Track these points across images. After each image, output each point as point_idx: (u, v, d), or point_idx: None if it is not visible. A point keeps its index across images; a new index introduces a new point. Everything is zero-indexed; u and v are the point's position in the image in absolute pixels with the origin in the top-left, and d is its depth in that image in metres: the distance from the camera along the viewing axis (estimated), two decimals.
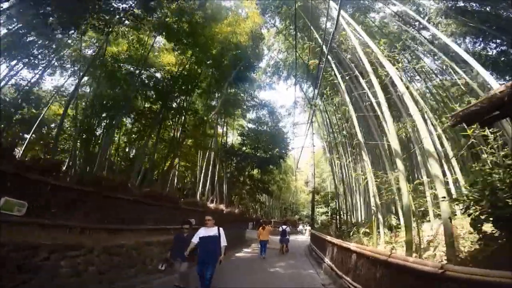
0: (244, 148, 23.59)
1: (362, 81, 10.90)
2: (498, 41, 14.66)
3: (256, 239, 15.03)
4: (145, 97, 11.77)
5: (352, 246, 7.30)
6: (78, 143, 13.23)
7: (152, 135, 12.95)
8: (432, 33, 14.43)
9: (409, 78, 14.35)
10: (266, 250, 13.22)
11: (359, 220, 16.81)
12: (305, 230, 42.91)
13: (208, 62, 14.24)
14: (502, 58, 13.78)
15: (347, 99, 10.02)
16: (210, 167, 19.99)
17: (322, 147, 39.54)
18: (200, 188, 18.49)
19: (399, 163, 6.23)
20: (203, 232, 5.57)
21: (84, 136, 12.08)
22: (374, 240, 6.82)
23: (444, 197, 4.77)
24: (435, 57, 15.65)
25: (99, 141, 14.14)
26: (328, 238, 11.34)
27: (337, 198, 17.29)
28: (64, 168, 11.06)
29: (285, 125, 28.60)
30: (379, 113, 9.70)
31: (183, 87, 12.97)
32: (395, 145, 6.68)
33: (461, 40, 16.13)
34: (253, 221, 36.25)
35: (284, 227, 16.21)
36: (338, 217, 15.50)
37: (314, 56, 19.28)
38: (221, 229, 5.52)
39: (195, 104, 16.02)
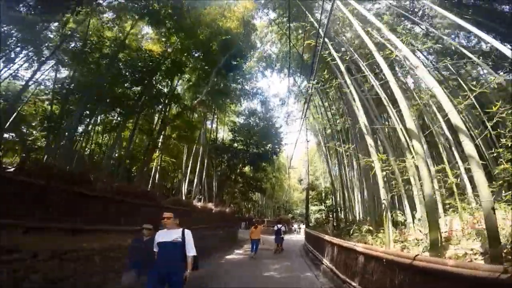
0: (235, 144, 22.42)
1: (363, 64, 9.96)
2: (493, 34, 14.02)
3: (249, 239, 14.72)
4: (122, 81, 10.46)
5: (359, 247, 6.31)
6: (51, 136, 11.88)
7: (130, 125, 11.69)
8: (429, 23, 13.64)
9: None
10: (257, 248, 13.05)
11: (357, 217, 15.94)
12: (300, 229, 42.07)
13: (194, 48, 13.05)
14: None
15: (348, 80, 9.01)
16: (198, 164, 18.77)
17: (316, 143, 38.86)
18: (185, 185, 17.20)
19: (417, 146, 5.23)
20: (161, 235, 4.05)
21: (55, 128, 10.71)
22: (386, 239, 5.81)
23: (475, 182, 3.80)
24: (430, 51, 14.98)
25: (71, 133, 12.80)
26: (327, 237, 10.37)
27: (333, 194, 16.38)
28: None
29: (279, 115, 27.55)
30: (382, 95, 8.75)
31: (166, 71, 11.74)
32: (411, 125, 5.68)
33: (455, 34, 15.53)
34: (245, 220, 35.21)
35: (279, 226, 15.99)
36: (335, 214, 14.56)
37: (309, 47, 18.36)
38: (187, 231, 4.07)
39: (179, 93, 14.57)
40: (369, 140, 7.35)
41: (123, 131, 13.06)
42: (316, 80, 11.12)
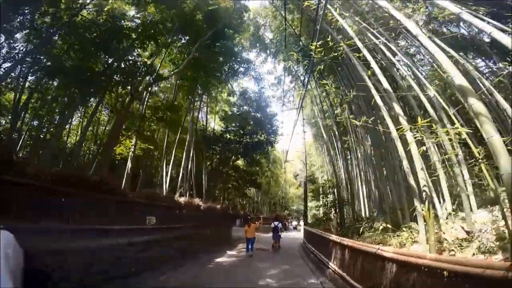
0: (227, 135, 20.60)
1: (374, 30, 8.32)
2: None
3: (244, 237, 13.69)
4: (81, 50, 8.51)
5: (388, 252, 4.64)
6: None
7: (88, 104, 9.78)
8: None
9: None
10: (253, 247, 12.48)
11: (363, 214, 14.36)
12: (298, 226, 40.57)
13: (177, 20, 11.14)
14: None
15: (359, 43, 7.30)
16: (184, 155, 16.91)
17: (312, 135, 37.19)
18: (167, 179, 15.27)
19: (478, 106, 3.51)
20: None
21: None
22: (431, 240, 4.12)
23: None
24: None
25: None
26: (334, 237, 8.72)
27: (336, 188, 14.75)
28: None
29: (274, 94, 25.58)
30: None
31: (138, 39, 9.79)
32: (460, 80, 3.98)
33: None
34: (240, 217, 33.53)
35: (276, 223, 15.61)
36: (338, 210, 12.93)
37: (307, 28, 16.65)
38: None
39: (153, 64, 12.43)
40: (397, 108, 5.64)
41: (95, 113, 11.20)
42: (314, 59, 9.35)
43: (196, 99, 21.11)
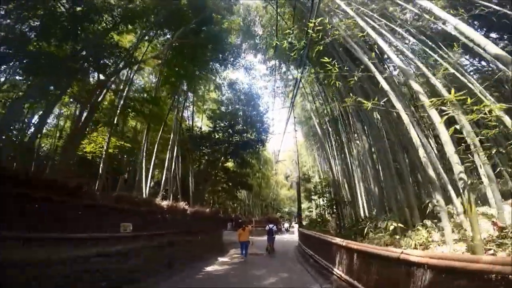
0: (215, 134, 19.49)
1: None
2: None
3: (237, 242, 13.93)
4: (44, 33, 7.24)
5: (418, 256, 3.74)
6: None
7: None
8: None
9: None
10: (247, 251, 12.36)
11: (362, 214, 13.59)
12: (291, 228, 39.70)
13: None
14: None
15: (361, 22, 6.51)
16: (168, 155, 15.70)
17: (303, 134, 36.48)
18: (148, 181, 13.93)
19: None
20: None
21: None
22: (477, 240, 3.25)
23: None
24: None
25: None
26: (338, 240, 7.81)
27: (333, 187, 13.92)
28: None
29: (266, 85, 24.53)
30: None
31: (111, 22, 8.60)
32: (494, 50, 3.16)
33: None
34: (232, 221, 32.32)
35: (270, 226, 15.66)
36: (337, 210, 12.10)
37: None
38: None
39: (128, 48, 11.04)
40: (416, 86, 4.78)
41: (55, 104, 9.87)
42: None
43: (181, 98, 19.99)
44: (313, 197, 13.73)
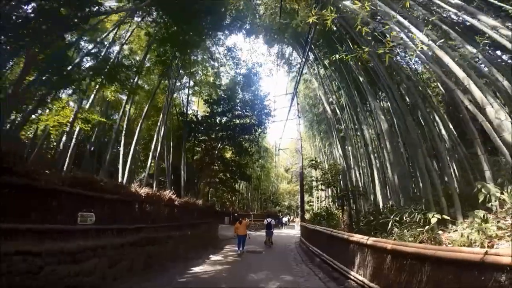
0: (212, 120, 17.75)
1: None
2: None
3: (234, 238, 13.66)
4: None
5: None
6: None
7: None
8: None
9: None
10: (244, 245, 11.91)
11: (381, 204, 11.95)
12: (289, 222, 38.27)
13: None
14: None
15: None
16: (155, 137, 13.98)
17: (305, 126, 34.76)
18: (125, 165, 12.08)
19: None
20: None
21: None
22: None
23: None
24: None
25: None
26: (358, 238, 6.22)
27: (343, 175, 12.25)
28: None
29: (271, 71, 22.76)
30: None
31: None
32: None
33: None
34: (230, 215, 30.86)
35: (269, 220, 15.74)
36: (348, 202, 10.43)
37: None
38: None
39: None
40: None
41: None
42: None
43: (177, 81, 18.21)
44: (320, 186, 12.05)
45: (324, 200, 33.06)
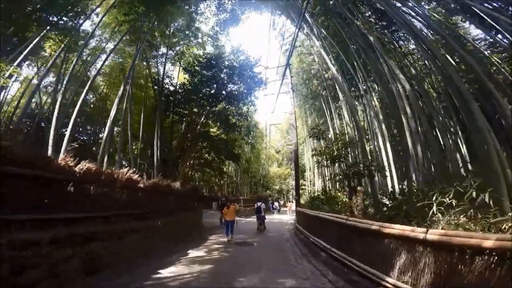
0: (192, 88, 15.21)
1: None
2: None
3: (222, 228, 13.53)
4: None
5: None
6: None
7: None
8: None
9: None
10: (233, 230, 11.31)
11: (394, 185, 10.06)
12: (280, 207, 36.73)
13: None
14: None
15: None
16: (117, 100, 11.47)
17: (298, 104, 32.56)
18: (56, 132, 9.52)
19: None
20: None
21: None
22: None
23: None
24: None
25: None
26: (399, 230, 4.14)
27: (351, 149, 10.22)
28: None
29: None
30: None
31: None
32: None
33: None
34: (218, 200, 28.92)
35: (259, 203, 15.16)
36: (359, 183, 8.42)
37: None
38: None
39: None
40: None
41: None
42: None
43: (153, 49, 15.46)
44: (324, 162, 9.97)
45: (320, 181, 31.47)
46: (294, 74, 26.85)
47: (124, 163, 26.67)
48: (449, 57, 9.65)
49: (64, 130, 13.09)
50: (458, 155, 7.59)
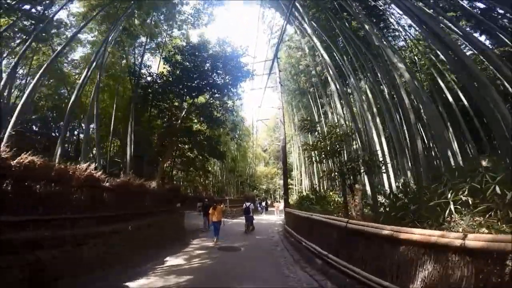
0: (172, 80, 14.06)
1: None
2: None
3: (204, 231, 13.76)
4: None
5: None
6: None
7: None
8: None
9: None
10: (218, 232, 10.81)
11: (389, 184, 9.37)
12: (267, 206, 35.91)
13: None
14: None
15: None
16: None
17: (286, 100, 31.86)
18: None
19: None
20: None
21: None
22: None
23: None
24: None
25: None
26: (421, 235, 3.27)
27: (348, 143, 9.46)
28: None
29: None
30: None
31: None
32: None
33: None
34: (202, 200, 27.72)
35: (247, 204, 14.81)
36: (355, 180, 7.62)
37: None
38: None
39: None
40: None
41: None
42: None
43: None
44: (316, 157, 9.07)
45: (307, 181, 30.84)
46: (282, 69, 26.13)
47: (102, 162, 25.16)
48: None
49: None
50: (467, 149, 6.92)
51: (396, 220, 5.32)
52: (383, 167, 7.69)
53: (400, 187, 7.89)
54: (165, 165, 18.07)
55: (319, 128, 12.66)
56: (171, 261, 7.76)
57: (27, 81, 19.21)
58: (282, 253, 9.03)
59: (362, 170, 7.14)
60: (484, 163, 7.40)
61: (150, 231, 9.12)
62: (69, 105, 11.69)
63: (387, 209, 6.00)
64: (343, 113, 9.60)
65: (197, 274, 6.47)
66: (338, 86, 9.30)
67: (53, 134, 21.44)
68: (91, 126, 14.73)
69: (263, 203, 36.42)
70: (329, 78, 10.06)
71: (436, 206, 4.86)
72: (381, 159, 9.64)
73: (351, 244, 5.26)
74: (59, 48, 18.76)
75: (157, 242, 9.20)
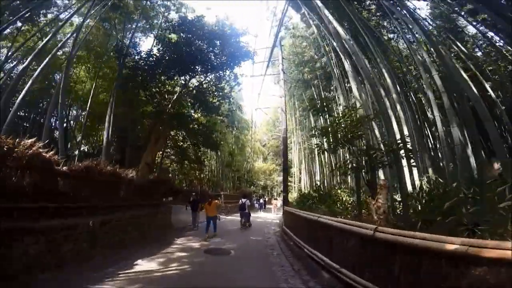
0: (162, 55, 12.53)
1: None
2: None
3: (193, 226, 13.06)
4: None
5: None
6: None
7: None
8: None
9: None
10: (215, 227, 10.75)
11: (410, 180, 7.86)
12: (265, 203, 34.56)
13: None
14: None
15: None
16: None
17: (288, 87, 30.19)
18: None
19: None
20: None
21: None
22: None
23: None
24: None
25: None
26: None
27: (371, 126, 7.96)
28: None
29: None
30: None
31: None
32: None
33: None
34: (196, 194, 26.24)
35: (243, 200, 14.61)
36: (373, 175, 6.12)
37: None
38: None
39: None
40: None
41: None
42: None
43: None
44: (325, 146, 7.53)
45: (307, 178, 29.49)
46: (285, 56, 24.56)
47: (89, 149, 23.66)
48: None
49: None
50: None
51: (437, 227, 3.85)
52: (412, 160, 6.22)
53: (428, 185, 6.40)
54: (156, 155, 16.62)
55: (335, 109, 11.24)
56: (142, 265, 6.29)
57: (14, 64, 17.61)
58: (279, 260, 7.55)
59: (386, 162, 5.69)
60: (496, 166, 6.07)
61: (123, 227, 7.64)
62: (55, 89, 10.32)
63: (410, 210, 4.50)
64: (360, 95, 8.06)
65: (172, 281, 5.03)
66: (355, 60, 7.78)
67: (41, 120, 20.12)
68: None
69: (261, 200, 34.98)
70: (345, 51, 8.50)
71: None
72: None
73: (380, 259, 3.79)
74: (47, 29, 17.17)
75: (131, 240, 7.73)
